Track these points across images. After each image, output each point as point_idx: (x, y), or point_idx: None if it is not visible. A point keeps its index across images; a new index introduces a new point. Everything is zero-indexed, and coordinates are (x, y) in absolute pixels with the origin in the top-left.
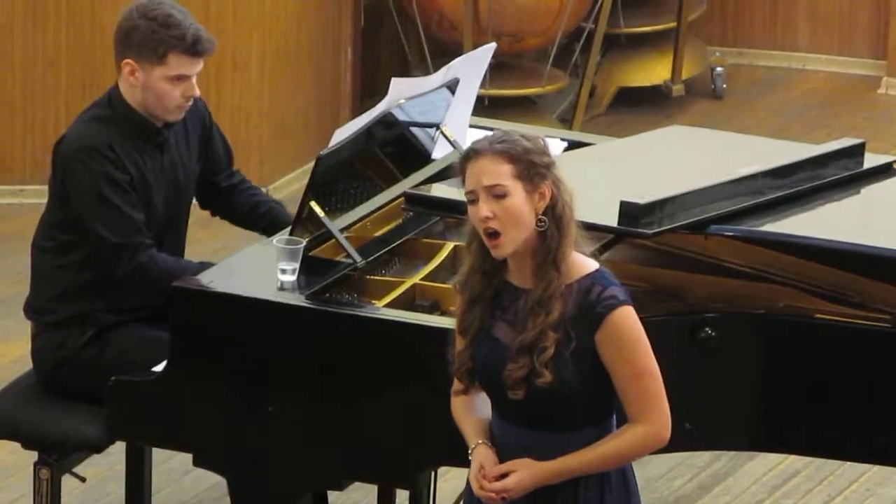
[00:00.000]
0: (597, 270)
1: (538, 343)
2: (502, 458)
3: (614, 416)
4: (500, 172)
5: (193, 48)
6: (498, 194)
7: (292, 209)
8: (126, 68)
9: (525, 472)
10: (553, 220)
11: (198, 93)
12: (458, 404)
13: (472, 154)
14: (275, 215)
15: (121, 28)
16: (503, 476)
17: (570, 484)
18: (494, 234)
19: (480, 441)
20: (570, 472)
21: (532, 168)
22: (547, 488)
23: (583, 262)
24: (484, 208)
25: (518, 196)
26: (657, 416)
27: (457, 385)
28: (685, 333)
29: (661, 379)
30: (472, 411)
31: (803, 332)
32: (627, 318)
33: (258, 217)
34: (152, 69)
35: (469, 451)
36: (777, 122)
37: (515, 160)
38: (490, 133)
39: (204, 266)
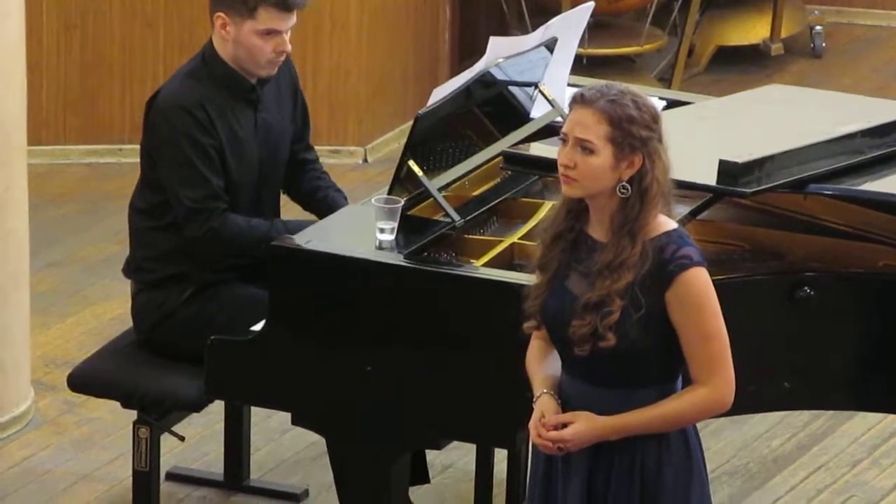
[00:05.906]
0: (674, 230)
1: (603, 306)
2: (567, 411)
3: (679, 379)
4: (596, 131)
5: (283, 2)
6: (585, 148)
7: (391, 169)
8: (218, 21)
9: (584, 424)
10: (638, 191)
11: (289, 48)
12: (532, 354)
13: (580, 99)
14: (330, 203)
15: None
16: (563, 427)
17: (629, 446)
18: (568, 178)
19: (546, 391)
20: (630, 429)
21: (628, 138)
22: (606, 447)
23: (662, 221)
24: (567, 154)
25: (604, 158)
26: (721, 380)
27: (530, 323)
28: (783, 292)
29: (728, 344)
30: (544, 365)
31: None
32: (698, 279)
33: (315, 202)
34: (243, 23)
35: (534, 400)
36: (876, 81)
37: (615, 125)
38: (610, 85)
39: (275, 226)
